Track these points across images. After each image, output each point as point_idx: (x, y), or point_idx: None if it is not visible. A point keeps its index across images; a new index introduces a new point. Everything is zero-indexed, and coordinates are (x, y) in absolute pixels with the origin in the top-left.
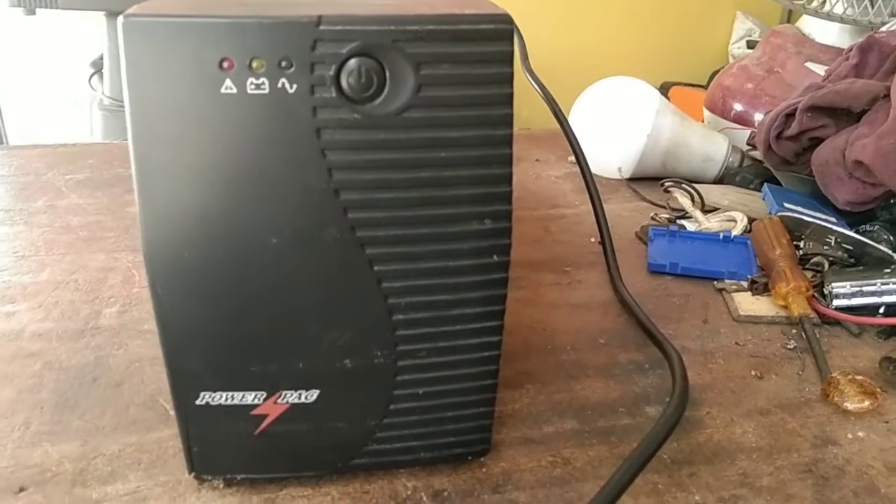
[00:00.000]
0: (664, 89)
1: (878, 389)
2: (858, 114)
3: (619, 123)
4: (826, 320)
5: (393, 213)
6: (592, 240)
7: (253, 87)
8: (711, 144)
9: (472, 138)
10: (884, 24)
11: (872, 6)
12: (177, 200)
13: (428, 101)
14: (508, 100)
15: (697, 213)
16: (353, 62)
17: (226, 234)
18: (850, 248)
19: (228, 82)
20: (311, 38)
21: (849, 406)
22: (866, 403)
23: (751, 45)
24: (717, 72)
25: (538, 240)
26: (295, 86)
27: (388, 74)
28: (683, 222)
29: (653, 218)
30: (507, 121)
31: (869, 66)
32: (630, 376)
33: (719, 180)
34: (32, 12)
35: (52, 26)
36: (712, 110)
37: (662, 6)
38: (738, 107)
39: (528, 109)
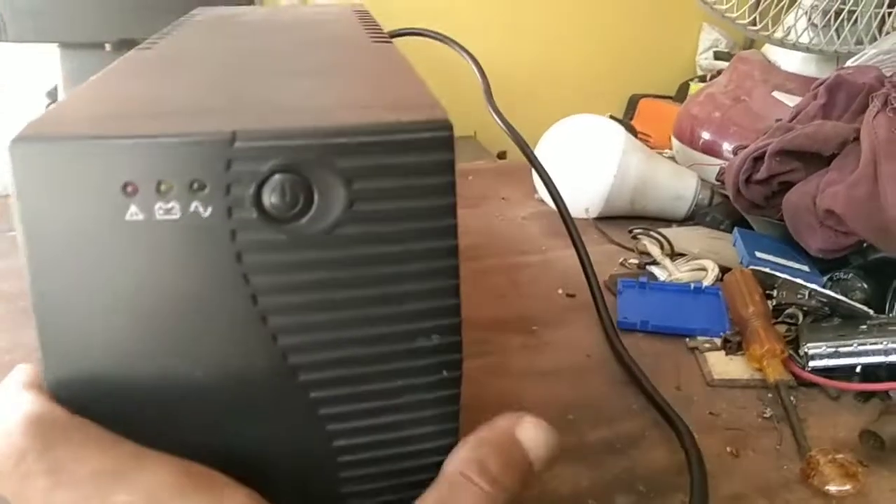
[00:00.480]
0: (633, 101)
1: (860, 468)
2: (829, 157)
3: (585, 163)
4: (802, 382)
5: (328, 335)
6: (560, 291)
7: (162, 212)
8: (680, 182)
9: (413, 252)
10: (850, 53)
11: (838, 36)
12: (84, 338)
13: (361, 217)
14: (450, 210)
15: (667, 262)
16: (274, 179)
17: (143, 370)
18: (824, 300)
19: (134, 208)
20: (225, 156)
21: (830, 489)
22: (848, 487)
23: (718, 55)
24: (685, 83)
25: (503, 295)
26: (210, 208)
27: (315, 190)
28: (653, 269)
29: (622, 264)
30: (451, 232)
31: (837, 107)
32: (600, 459)
33: (690, 217)
34: None
35: (3, 58)
36: (680, 139)
37: (629, 19)
38: (706, 136)
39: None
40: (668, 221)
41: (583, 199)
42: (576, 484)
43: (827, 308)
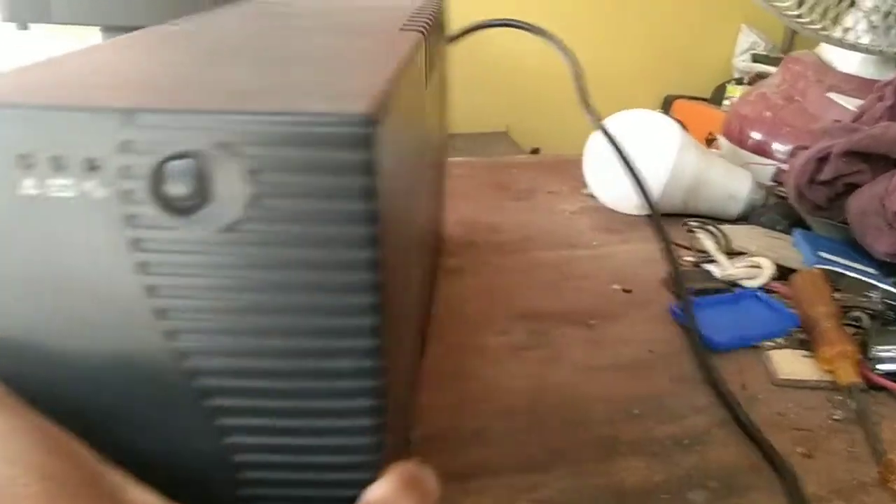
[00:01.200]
0: (667, 102)
1: None
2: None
3: (640, 159)
4: (872, 385)
5: (229, 341)
6: (616, 287)
7: (56, 188)
8: (734, 181)
9: (323, 261)
10: None
11: None
12: None
13: (266, 215)
14: (370, 217)
15: (722, 258)
16: (173, 165)
17: (35, 348)
18: (892, 302)
19: (28, 182)
20: (121, 135)
21: None
22: None
23: (756, 58)
24: (721, 86)
25: (557, 287)
26: (104, 190)
27: (215, 181)
28: (708, 266)
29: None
30: (370, 242)
31: None
32: (669, 454)
33: (742, 217)
34: (25, 27)
35: (46, 42)
36: (729, 139)
37: (666, 19)
38: (756, 136)
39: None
40: (720, 221)
41: (635, 195)
42: (647, 478)
43: (892, 312)
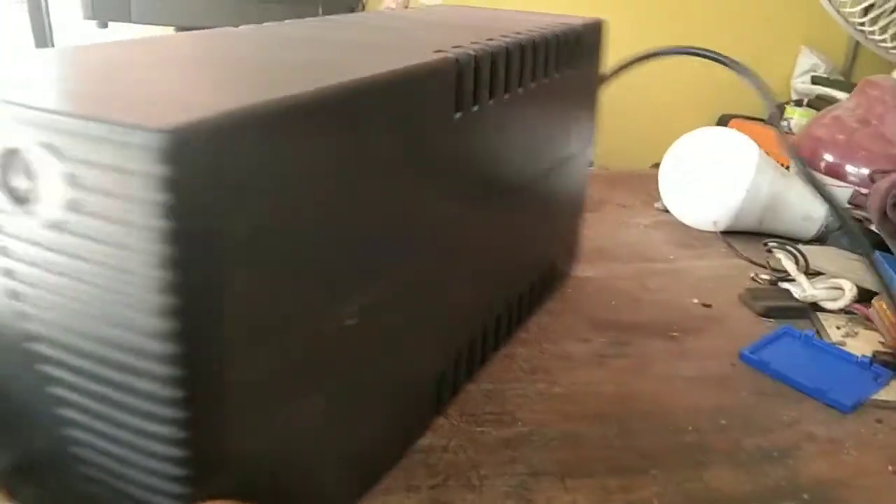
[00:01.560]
0: (723, 121)
1: None
2: None
3: (716, 177)
4: None
5: (60, 333)
6: (695, 301)
7: None
8: (811, 202)
9: (129, 278)
10: None
11: None
12: None
13: (82, 222)
14: (165, 238)
15: (802, 279)
16: (16, 157)
17: None
18: None
19: None
20: None
21: None
22: None
23: (816, 80)
24: (780, 106)
25: (637, 299)
26: None
27: (41, 179)
28: (786, 285)
29: (753, 279)
30: (170, 263)
31: None
32: (759, 465)
33: (817, 239)
34: (105, 25)
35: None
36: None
37: (724, 38)
38: (829, 158)
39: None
40: (795, 241)
41: (711, 212)
42: (737, 486)
43: None
